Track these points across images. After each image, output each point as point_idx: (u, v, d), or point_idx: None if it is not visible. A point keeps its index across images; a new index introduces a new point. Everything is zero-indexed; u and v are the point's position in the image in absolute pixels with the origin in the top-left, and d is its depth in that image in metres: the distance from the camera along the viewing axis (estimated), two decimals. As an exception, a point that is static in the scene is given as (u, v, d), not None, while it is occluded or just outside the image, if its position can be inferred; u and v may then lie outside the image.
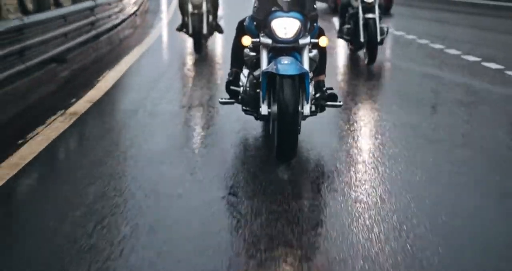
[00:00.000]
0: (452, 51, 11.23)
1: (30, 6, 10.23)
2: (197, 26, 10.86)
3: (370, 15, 9.73)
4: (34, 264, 3.41)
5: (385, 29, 9.97)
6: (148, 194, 4.41)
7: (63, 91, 7.87)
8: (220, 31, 11.72)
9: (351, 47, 10.72)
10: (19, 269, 3.38)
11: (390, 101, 7.72)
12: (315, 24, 5.42)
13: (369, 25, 9.67)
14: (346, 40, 10.65)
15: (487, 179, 4.89)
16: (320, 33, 5.49)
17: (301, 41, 5.18)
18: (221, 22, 12.19)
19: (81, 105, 7.07)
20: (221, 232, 3.83)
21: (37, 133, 5.84)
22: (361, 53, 10.34)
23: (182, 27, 11.37)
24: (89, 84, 8.23)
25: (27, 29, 7.65)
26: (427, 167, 5.13)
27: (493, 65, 9.72)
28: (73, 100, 7.27)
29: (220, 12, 12.24)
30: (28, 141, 5.62)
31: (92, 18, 11.06)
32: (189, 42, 11.64)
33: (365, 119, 6.80)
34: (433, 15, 18.80)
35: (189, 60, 11.08)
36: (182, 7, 11.35)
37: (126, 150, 5.49)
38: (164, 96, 7.57)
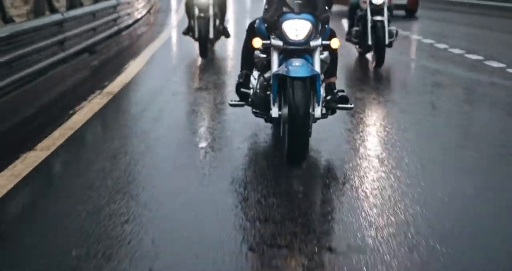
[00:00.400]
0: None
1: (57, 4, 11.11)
2: (203, 30, 10.48)
3: (378, 18, 9.64)
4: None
5: (394, 32, 9.89)
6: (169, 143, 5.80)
7: (96, 77, 9.25)
8: (227, 35, 11.45)
9: (359, 50, 10.65)
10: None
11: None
12: (326, 26, 5.36)
13: (377, 27, 9.60)
14: (354, 43, 10.51)
15: None
16: (332, 35, 5.43)
17: (312, 43, 5.13)
18: (229, 25, 11.97)
19: (114, 87, 8.36)
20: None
21: (82, 107, 7.14)
22: (369, 56, 10.28)
23: (188, 31, 11.08)
24: (117, 71, 9.52)
25: (66, 23, 9.09)
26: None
27: None
28: (106, 83, 8.55)
29: (227, 15, 12.09)
30: (77, 111, 6.95)
31: (115, 15, 12.50)
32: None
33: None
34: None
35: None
36: (189, 10, 11.05)
37: (155, 115, 6.88)
38: (182, 81, 9.27)
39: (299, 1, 5.11)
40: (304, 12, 5.11)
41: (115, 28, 12.26)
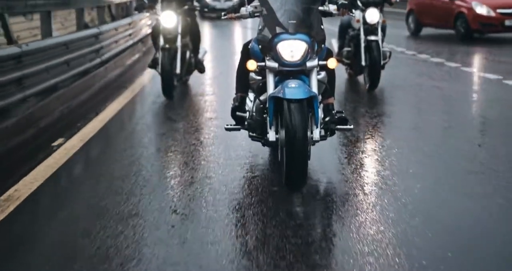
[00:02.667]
0: None
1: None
2: (167, 64, 8.69)
3: (372, 37, 9.11)
4: None
5: (387, 53, 9.44)
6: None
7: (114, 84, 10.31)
8: (201, 70, 9.79)
9: (350, 71, 10.05)
10: None
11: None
12: (323, 45, 5.19)
13: (372, 48, 9.06)
14: (345, 64, 9.92)
15: None
16: (329, 54, 5.28)
17: (309, 64, 4.96)
18: (206, 58, 10.61)
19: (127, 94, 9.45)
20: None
21: (107, 106, 8.57)
22: (362, 78, 9.67)
23: (154, 64, 9.22)
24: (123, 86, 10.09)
25: (101, 35, 10.51)
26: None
27: None
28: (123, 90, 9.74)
29: (206, 45, 10.86)
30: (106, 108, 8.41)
31: (130, 31, 13.14)
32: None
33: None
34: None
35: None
36: (154, 39, 9.25)
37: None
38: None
39: (294, 21, 4.93)
40: (299, 32, 4.94)
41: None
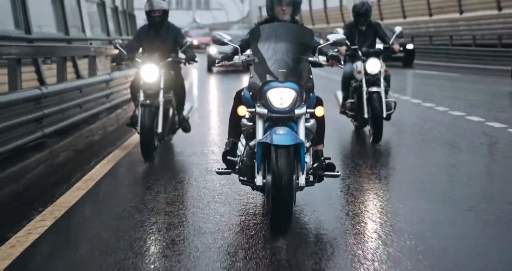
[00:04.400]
0: None
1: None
2: (146, 122, 7.66)
3: (374, 89, 8.94)
4: None
5: (392, 104, 9.22)
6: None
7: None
8: (186, 129, 8.86)
9: (355, 123, 9.77)
10: None
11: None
12: (311, 94, 5.37)
13: (373, 99, 8.87)
14: (349, 116, 9.66)
15: None
16: (318, 103, 5.44)
17: (297, 111, 5.12)
18: (193, 115, 9.61)
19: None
20: None
21: (117, 146, 8.79)
22: (367, 130, 9.44)
23: (133, 122, 8.22)
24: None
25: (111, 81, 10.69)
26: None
27: None
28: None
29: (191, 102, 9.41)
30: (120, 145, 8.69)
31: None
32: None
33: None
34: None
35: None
36: (133, 94, 8.29)
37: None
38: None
39: (284, 70, 5.10)
40: (289, 80, 5.11)
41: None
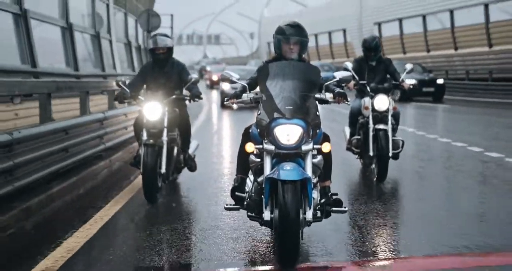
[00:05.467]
0: None
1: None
2: (149, 162, 7.13)
3: (381, 126, 8.32)
4: None
5: (400, 143, 8.53)
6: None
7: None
8: (192, 168, 8.31)
9: (361, 161, 9.11)
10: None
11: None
12: (318, 130, 5.22)
13: (379, 137, 8.24)
14: (355, 153, 9.02)
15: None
16: (324, 139, 5.31)
17: (304, 148, 5.01)
18: (197, 152, 8.83)
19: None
20: None
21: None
22: (372, 168, 8.72)
23: (136, 162, 7.72)
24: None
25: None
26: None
27: None
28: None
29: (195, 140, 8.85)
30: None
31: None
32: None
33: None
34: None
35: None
36: (137, 133, 7.80)
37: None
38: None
39: (291, 107, 5.03)
40: (296, 117, 5.00)
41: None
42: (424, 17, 34.58)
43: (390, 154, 8.29)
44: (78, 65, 12.99)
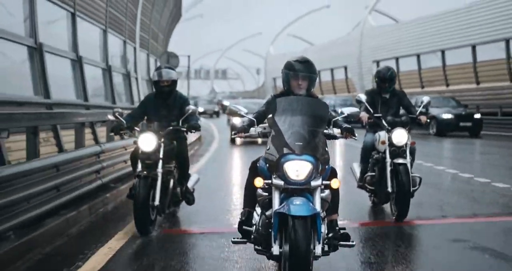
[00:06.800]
0: None
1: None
2: (141, 195, 6.63)
3: (400, 161, 7.34)
4: None
5: (418, 180, 7.58)
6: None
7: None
8: (190, 201, 7.77)
9: (374, 199, 8.09)
10: None
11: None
12: (327, 166, 4.91)
13: (400, 172, 7.24)
14: (369, 191, 8.02)
15: None
16: (332, 174, 5.05)
17: (313, 183, 4.77)
18: (197, 186, 8.26)
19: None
20: None
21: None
22: (388, 206, 7.76)
23: (132, 193, 7.06)
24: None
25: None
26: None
27: None
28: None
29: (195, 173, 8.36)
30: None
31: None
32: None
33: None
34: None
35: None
36: (133, 164, 7.35)
37: None
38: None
39: (300, 143, 4.80)
40: (305, 153, 4.76)
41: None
42: (418, 56, 34.68)
43: (412, 192, 7.39)
44: (115, 99, 15.43)
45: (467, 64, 30.20)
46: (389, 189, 7.36)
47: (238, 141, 20.72)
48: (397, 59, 36.97)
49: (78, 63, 12.55)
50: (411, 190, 7.31)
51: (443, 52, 32.33)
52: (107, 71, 15.09)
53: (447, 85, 32.05)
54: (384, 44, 39.16)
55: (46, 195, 6.87)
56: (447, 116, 24.92)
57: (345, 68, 45.31)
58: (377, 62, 39.43)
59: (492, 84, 28.34)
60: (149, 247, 6.21)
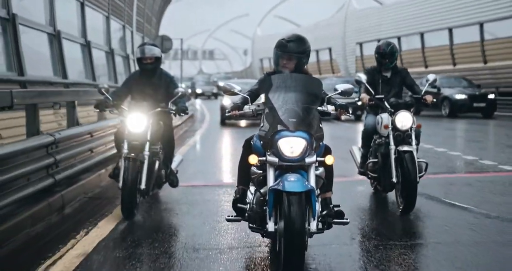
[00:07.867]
0: None
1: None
2: (129, 177, 6.11)
3: (405, 148, 6.30)
4: None
5: (424, 165, 6.60)
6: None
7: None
8: (174, 183, 7.25)
9: (376, 186, 7.07)
10: None
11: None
12: (321, 143, 4.68)
13: (405, 160, 6.22)
14: (371, 178, 7.05)
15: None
16: (326, 151, 4.83)
17: (307, 160, 4.54)
18: (181, 167, 7.75)
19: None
20: None
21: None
22: (392, 195, 6.76)
23: (115, 174, 6.68)
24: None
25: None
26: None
27: None
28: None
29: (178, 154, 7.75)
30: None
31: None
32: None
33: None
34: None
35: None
36: (118, 145, 6.78)
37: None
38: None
39: (294, 120, 4.57)
40: (299, 130, 4.52)
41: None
42: (399, 38, 34.43)
43: (418, 180, 6.35)
44: (117, 79, 16.44)
45: (444, 46, 29.86)
46: (394, 179, 6.39)
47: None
48: (378, 41, 36.58)
49: (87, 47, 14.08)
50: (417, 178, 6.30)
51: (422, 34, 32.30)
52: (110, 54, 16.28)
53: (426, 66, 31.86)
54: (367, 26, 38.89)
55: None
56: (460, 96, 23.18)
57: (330, 49, 44.94)
58: (360, 44, 39.20)
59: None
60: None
